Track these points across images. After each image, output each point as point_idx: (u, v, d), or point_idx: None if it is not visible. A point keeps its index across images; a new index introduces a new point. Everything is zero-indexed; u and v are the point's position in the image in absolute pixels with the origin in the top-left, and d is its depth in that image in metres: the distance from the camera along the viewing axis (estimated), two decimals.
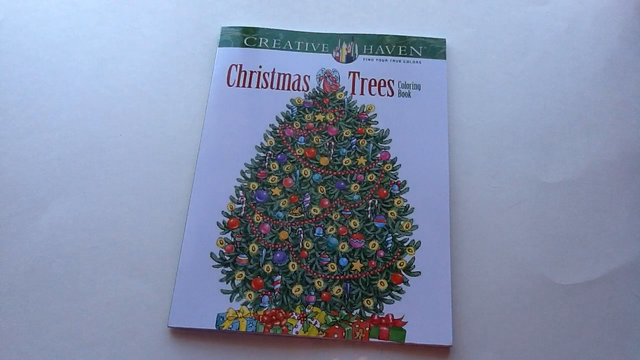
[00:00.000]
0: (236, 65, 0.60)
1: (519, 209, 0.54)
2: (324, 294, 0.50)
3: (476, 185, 0.55)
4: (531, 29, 0.63)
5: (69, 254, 0.52)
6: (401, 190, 0.54)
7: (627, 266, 0.51)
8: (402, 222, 0.53)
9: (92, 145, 0.56)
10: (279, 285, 0.50)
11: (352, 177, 0.55)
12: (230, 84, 0.59)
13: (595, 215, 0.54)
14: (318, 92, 0.59)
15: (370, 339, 0.48)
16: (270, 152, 0.56)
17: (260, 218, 0.53)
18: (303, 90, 0.59)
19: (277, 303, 0.49)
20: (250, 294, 0.50)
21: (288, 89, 0.59)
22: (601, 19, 0.63)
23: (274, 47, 0.61)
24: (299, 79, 0.59)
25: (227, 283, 0.50)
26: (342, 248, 0.52)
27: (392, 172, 0.55)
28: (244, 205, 0.53)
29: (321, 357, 0.48)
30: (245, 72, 0.60)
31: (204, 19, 0.63)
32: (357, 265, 0.51)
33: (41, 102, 0.58)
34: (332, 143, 0.56)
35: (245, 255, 0.51)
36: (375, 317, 0.49)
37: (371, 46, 0.61)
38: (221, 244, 0.52)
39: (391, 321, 0.49)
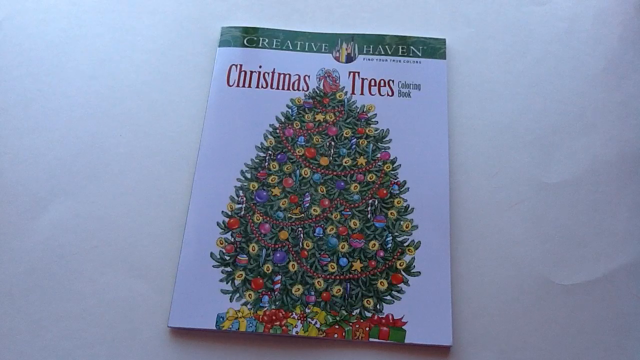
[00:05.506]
0: (236, 65, 0.60)
1: (519, 209, 0.54)
2: (324, 294, 0.50)
3: (476, 185, 0.55)
4: (531, 29, 0.63)
5: (69, 254, 0.52)
6: (401, 190, 0.54)
7: (627, 266, 0.51)
8: (402, 222, 0.53)
9: (92, 145, 0.56)
10: (279, 285, 0.50)
11: (352, 177, 0.55)
12: (230, 84, 0.59)
13: (595, 215, 0.54)
14: (318, 92, 0.59)
15: (370, 339, 0.48)
16: (270, 152, 0.56)
17: (260, 218, 0.53)
18: (303, 90, 0.59)
19: (277, 303, 0.49)
20: (250, 294, 0.50)
21: (288, 89, 0.59)
22: (601, 19, 0.63)
23: (274, 47, 0.61)
24: (299, 79, 0.59)
25: (227, 283, 0.50)
26: (342, 248, 0.52)
27: (392, 172, 0.55)
28: (244, 205, 0.53)
29: (321, 357, 0.48)
30: (245, 72, 0.60)
31: (204, 19, 0.63)
32: (357, 265, 0.51)
33: (41, 102, 0.58)
34: (332, 143, 0.56)
35: (245, 255, 0.51)
36: (375, 317, 0.49)
37: (371, 46, 0.61)
38: (221, 244, 0.52)
39: (391, 321, 0.49)
